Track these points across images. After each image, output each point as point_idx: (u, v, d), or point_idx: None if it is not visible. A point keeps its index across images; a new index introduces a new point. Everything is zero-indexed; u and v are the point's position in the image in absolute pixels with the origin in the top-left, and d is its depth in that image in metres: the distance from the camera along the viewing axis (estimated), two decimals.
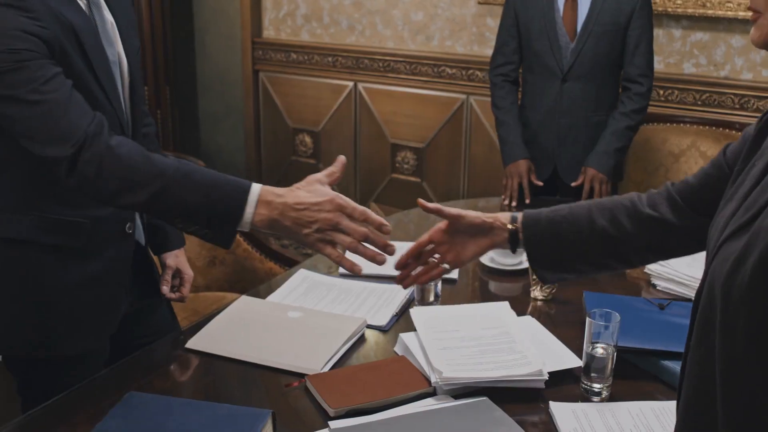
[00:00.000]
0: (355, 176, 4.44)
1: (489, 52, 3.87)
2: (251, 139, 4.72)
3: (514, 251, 1.56)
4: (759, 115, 3.31)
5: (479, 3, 3.84)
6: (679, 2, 3.37)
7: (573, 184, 2.94)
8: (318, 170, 4.95)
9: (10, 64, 1.38)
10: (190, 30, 4.81)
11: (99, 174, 1.42)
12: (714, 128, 3.37)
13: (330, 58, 4.34)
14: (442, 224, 1.60)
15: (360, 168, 4.43)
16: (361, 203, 4.86)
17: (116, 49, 1.63)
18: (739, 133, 3.29)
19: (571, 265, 1.54)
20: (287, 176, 4.65)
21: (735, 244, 1.01)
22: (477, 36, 3.93)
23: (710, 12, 3.32)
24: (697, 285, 1.99)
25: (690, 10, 3.36)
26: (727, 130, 3.34)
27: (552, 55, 2.87)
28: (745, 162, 1.16)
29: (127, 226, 1.70)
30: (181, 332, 1.79)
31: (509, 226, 1.54)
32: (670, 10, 3.35)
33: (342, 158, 1.57)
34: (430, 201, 4.34)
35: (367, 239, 1.47)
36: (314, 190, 1.48)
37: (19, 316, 1.60)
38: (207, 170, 1.48)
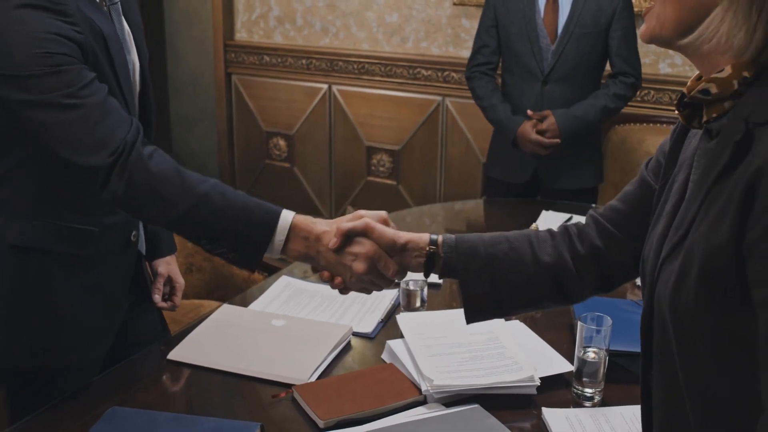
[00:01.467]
0: (330, 180, 4.40)
1: (464, 53, 3.86)
2: (224, 142, 4.66)
3: (427, 276, 1.43)
4: None
5: (454, 4, 3.82)
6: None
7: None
8: (293, 174, 4.84)
9: (45, 68, 1.34)
10: (161, 32, 4.74)
11: (129, 186, 1.38)
12: None
13: (304, 61, 4.30)
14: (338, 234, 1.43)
15: (335, 171, 4.38)
16: (336, 207, 4.81)
17: (132, 57, 1.60)
18: None
19: (504, 306, 1.39)
20: (261, 180, 4.60)
21: (673, 265, 1.00)
22: (452, 37, 3.91)
23: None
24: None
25: None
26: None
27: (533, 57, 2.85)
28: (665, 177, 1.15)
29: (133, 234, 1.67)
30: (162, 343, 1.75)
31: (428, 249, 1.40)
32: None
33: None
34: (407, 204, 4.30)
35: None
36: (355, 239, 1.44)
37: (22, 325, 1.55)
38: (239, 193, 1.46)
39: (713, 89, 0.97)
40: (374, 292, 1.91)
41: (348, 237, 1.43)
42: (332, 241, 1.42)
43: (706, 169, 0.99)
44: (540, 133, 2.82)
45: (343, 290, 1.48)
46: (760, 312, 0.87)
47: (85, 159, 1.38)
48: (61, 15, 1.36)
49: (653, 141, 3.42)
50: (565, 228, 1.41)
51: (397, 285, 1.49)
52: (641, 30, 1.04)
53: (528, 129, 2.84)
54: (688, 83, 1.03)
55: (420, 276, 1.82)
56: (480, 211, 3.01)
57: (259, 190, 4.62)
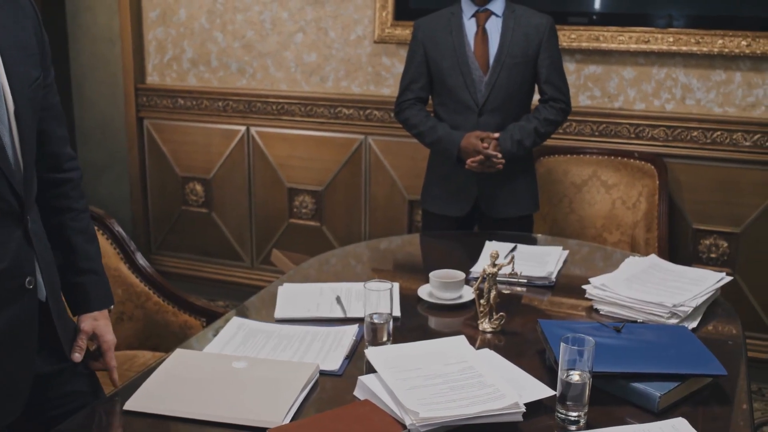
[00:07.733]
0: (251, 224, 4.29)
1: (386, 91, 3.86)
2: (137, 189, 4.48)
3: None
4: (654, 143, 3.43)
5: (375, 42, 3.82)
6: (573, 36, 3.47)
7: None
8: (211, 220, 4.70)
9: None
10: (66, 77, 4.54)
11: None
12: (613, 157, 3.46)
13: (220, 103, 4.20)
14: None
15: (256, 215, 4.27)
16: (258, 252, 4.65)
17: None
18: (639, 162, 3.40)
19: None
20: (177, 227, 4.44)
21: None
22: (373, 75, 3.91)
23: (603, 45, 3.43)
24: (639, 305, 2.00)
25: (584, 44, 3.46)
26: (625, 159, 3.44)
27: (466, 90, 2.85)
28: None
29: (27, 280, 1.49)
30: (108, 397, 1.60)
31: None
32: (565, 44, 3.43)
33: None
34: (331, 246, 4.18)
35: None
36: None
37: None
38: None
39: None
40: (326, 331, 1.84)
41: None
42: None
43: None
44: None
45: None
46: None
47: None
48: None
49: (578, 171, 3.49)
50: None
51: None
52: None
53: (471, 136, 2.81)
54: None
55: (385, 310, 1.78)
56: (416, 246, 2.96)
57: (175, 236, 4.45)
